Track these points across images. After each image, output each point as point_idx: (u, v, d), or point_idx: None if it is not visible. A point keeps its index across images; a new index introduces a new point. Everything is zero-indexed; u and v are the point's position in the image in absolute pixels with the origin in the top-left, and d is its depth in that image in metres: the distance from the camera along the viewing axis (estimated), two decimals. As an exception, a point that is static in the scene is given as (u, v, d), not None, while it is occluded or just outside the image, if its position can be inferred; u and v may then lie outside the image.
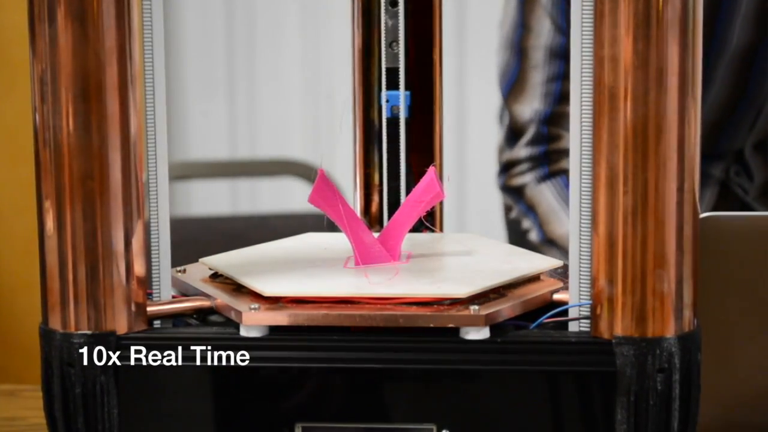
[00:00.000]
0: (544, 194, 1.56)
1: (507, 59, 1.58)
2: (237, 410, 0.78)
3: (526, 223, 1.59)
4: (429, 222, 0.92)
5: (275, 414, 0.78)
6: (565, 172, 1.56)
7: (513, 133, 1.58)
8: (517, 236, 1.64)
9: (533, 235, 1.57)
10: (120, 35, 0.76)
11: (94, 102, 0.76)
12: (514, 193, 1.59)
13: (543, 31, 1.53)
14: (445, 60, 0.96)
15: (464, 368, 0.77)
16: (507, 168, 1.59)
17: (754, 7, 1.48)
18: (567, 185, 1.53)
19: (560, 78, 1.54)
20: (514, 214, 1.61)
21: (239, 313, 0.78)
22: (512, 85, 1.57)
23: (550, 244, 1.55)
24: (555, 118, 1.56)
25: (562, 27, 1.52)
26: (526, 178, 1.57)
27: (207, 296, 0.82)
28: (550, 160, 1.56)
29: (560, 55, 1.53)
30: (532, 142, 1.56)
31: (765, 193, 1.58)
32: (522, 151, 1.57)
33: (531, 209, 1.57)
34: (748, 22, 1.48)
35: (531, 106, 1.55)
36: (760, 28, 1.49)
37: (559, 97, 1.55)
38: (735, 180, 1.57)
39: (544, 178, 1.56)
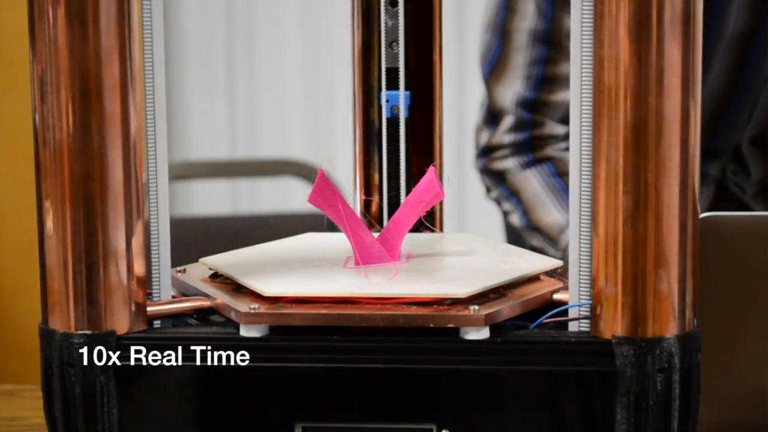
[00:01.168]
0: (529, 180, 1.55)
1: (489, 40, 1.57)
2: (237, 410, 0.78)
3: (507, 206, 1.58)
4: (429, 222, 0.92)
5: (275, 414, 0.78)
6: (551, 160, 1.55)
7: (492, 116, 1.57)
8: (496, 218, 1.63)
9: (515, 219, 1.56)
10: (120, 35, 0.76)
11: (94, 102, 0.76)
12: (495, 177, 1.58)
13: (527, 14, 1.53)
14: (445, 60, 0.96)
15: (464, 368, 0.77)
16: (487, 152, 1.58)
17: None
18: (554, 174, 1.52)
19: (542, 62, 1.53)
20: (494, 195, 1.60)
21: (239, 313, 0.78)
22: (493, 67, 1.56)
23: (534, 230, 1.54)
24: (537, 105, 1.55)
25: (546, 13, 1.52)
26: (508, 163, 1.57)
27: (207, 296, 0.82)
28: (534, 146, 1.56)
29: (543, 39, 1.53)
30: (515, 128, 1.56)
31: (763, 191, 1.58)
32: (505, 137, 1.56)
33: (514, 194, 1.56)
34: (745, 7, 1.47)
35: (512, 89, 1.55)
36: (757, 14, 1.48)
37: (541, 82, 1.54)
38: (732, 179, 1.57)
39: (528, 165, 1.56)
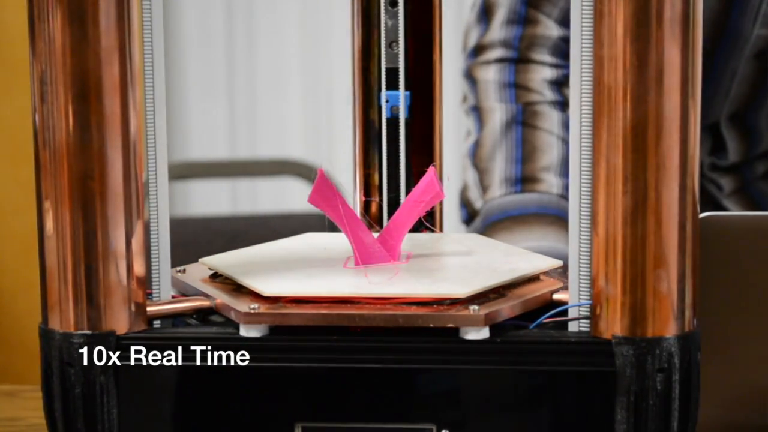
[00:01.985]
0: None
1: None
2: (237, 410, 0.78)
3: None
4: (429, 222, 0.92)
5: (275, 414, 0.78)
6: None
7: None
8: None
9: None
10: (120, 35, 0.76)
11: (94, 102, 0.76)
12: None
13: None
14: (445, 60, 0.96)
15: (464, 368, 0.77)
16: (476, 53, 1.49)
17: None
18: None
19: None
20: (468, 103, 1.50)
21: (239, 313, 0.78)
22: None
23: None
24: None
25: None
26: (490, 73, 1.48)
27: (207, 296, 0.82)
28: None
29: None
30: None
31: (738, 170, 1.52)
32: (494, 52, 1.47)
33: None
34: None
35: None
36: None
37: None
38: (707, 160, 1.52)
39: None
